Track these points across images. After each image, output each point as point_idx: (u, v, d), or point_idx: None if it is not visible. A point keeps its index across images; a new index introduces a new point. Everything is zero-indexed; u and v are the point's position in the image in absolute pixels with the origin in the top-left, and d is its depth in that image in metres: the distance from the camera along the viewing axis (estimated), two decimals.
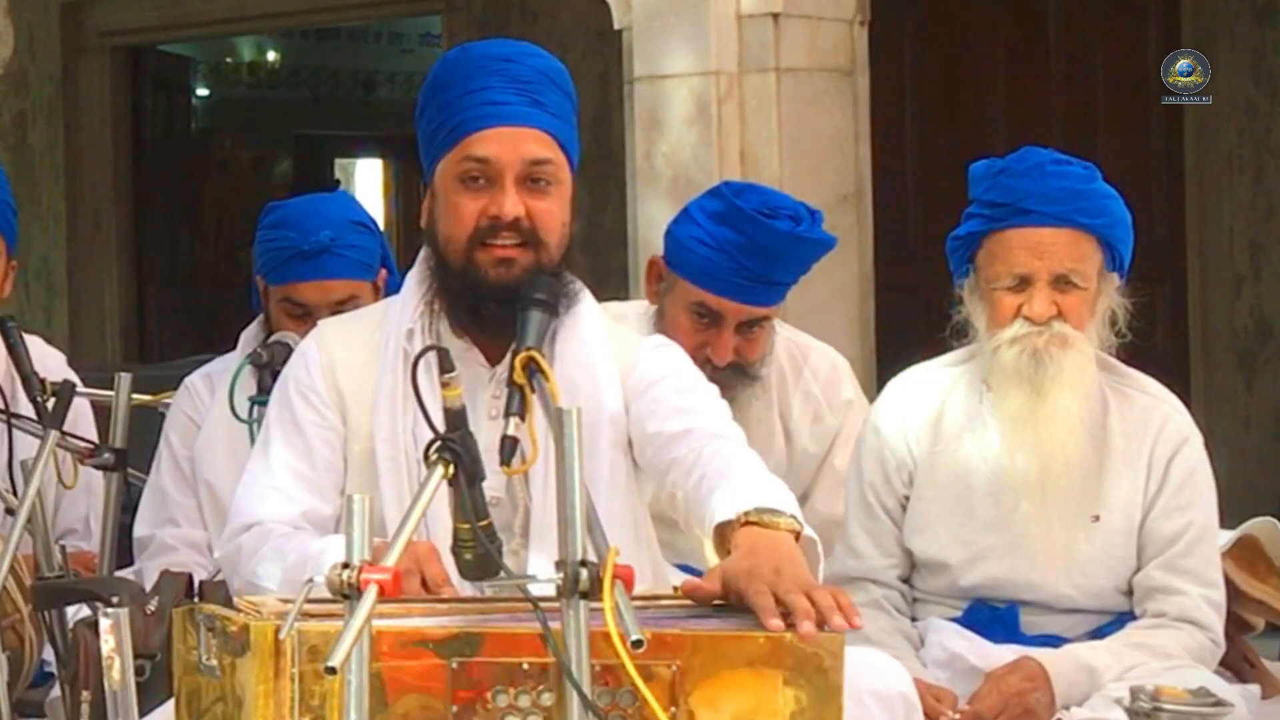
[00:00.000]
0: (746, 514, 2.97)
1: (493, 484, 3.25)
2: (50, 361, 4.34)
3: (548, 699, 2.69)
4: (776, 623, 2.72)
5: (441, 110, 3.36)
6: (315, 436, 3.36)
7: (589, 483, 3.26)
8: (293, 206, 4.30)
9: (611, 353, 3.38)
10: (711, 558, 3.05)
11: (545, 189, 3.29)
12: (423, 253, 3.44)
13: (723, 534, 3.01)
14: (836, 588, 2.83)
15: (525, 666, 2.70)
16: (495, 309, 3.26)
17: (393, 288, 4.30)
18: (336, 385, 3.38)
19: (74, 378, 4.18)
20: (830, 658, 2.74)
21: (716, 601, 2.88)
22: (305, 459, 3.35)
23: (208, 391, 4.26)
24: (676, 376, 3.40)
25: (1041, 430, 3.74)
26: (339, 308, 4.12)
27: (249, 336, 4.27)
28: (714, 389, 3.48)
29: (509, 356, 2.99)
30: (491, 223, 3.27)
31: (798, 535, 2.96)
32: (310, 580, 2.54)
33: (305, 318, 4.12)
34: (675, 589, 3.28)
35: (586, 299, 3.42)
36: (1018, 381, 3.74)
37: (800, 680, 2.73)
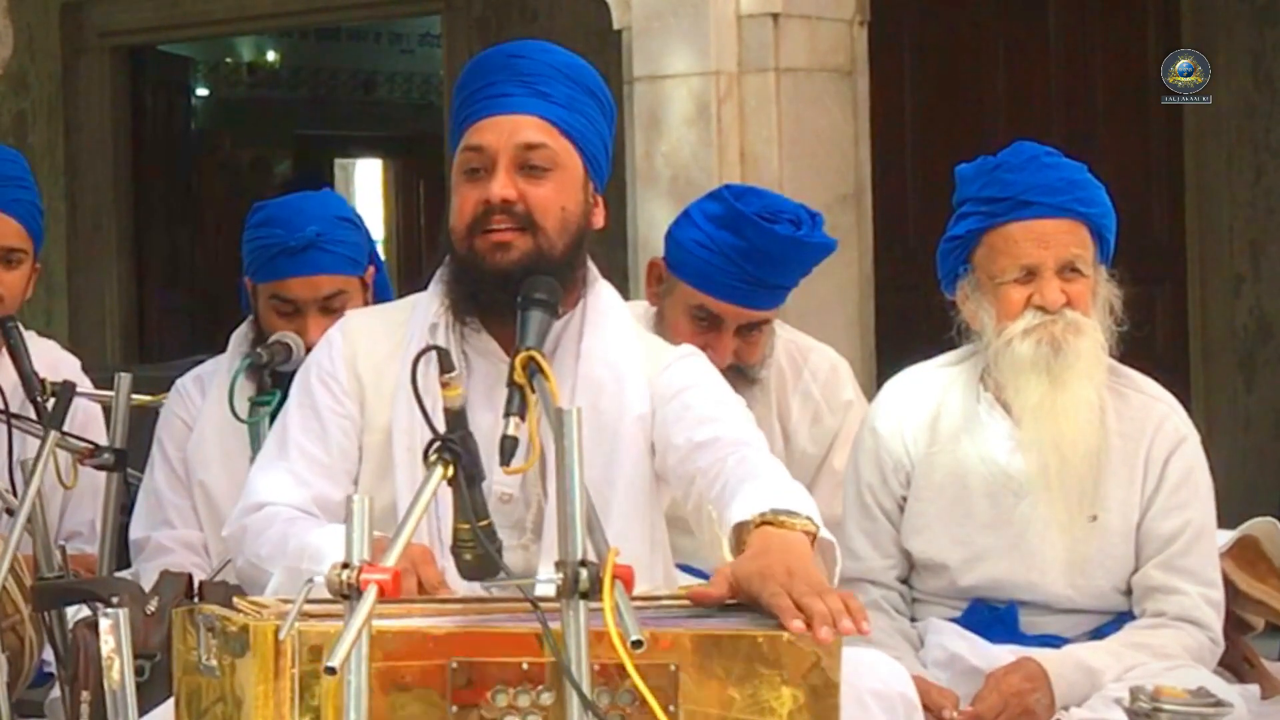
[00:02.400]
0: (763, 515, 2.97)
1: (506, 480, 3.26)
2: (63, 368, 4.35)
3: (547, 699, 2.69)
4: (799, 624, 2.72)
5: (456, 111, 3.38)
6: (332, 423, 3.37)
7: (611, 481, 3.29)
8: (279, 205, 4.30)
9: (640, 354, 3.39)
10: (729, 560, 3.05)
11: (542, 174, 3.30)
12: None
13: (739, 536, 3.01)
14: (847, 591, 2.83)
15: (525, 666, 2.70)
16: (493, 295, 3.26)
17: (379, 284, 4.31)
18: (356, 374, 3.39)
19: (87, 383, 4.19)
20: (827, 656, 2.75)
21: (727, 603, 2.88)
22: (320, 444, 3.36)
23: (199, 393, 4.27)
24: (702, 386, 3.40)
25: (1061, 420, 3.75)
26: (327, 303, 4.13)
27: (239, 338, 4.27)
28: (739, 399, 3.48)
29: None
30: (485, 208, 3.28)
31: (814, 537, 2.96)
32: (310, 580, 2.54)
33: (294, 315, 4.13)
34: (683, 588, 3.29)
35: (609, 294, 3.43)
36: (1035, 372, 3.74)
37: (798, 679, 2.74)
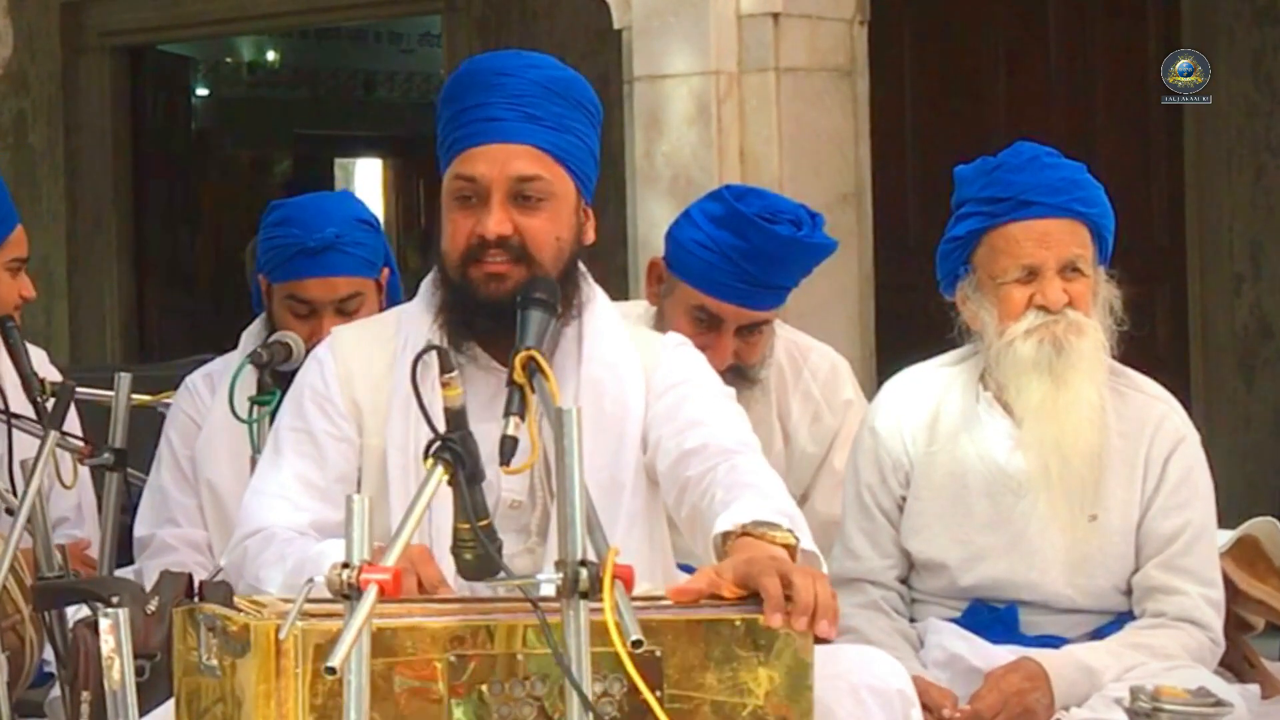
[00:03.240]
0: (743, 526, 3.02)
1: (515, 487, 3.27)
2: (38, 365, 4.34)
3: (541, 689, 2.74)
4: (778, 618, 2.80)
5: (445, 126, 3.37)
6: (329, 446, 3.36)
7: (619, 483, 3.31)
8: (297, 204, 4.31)
9: (635, 352, 3.39)
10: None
11: (536, 205, 3.29)
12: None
13: (722, 545, 3.04)
14: (831, 590, 2.88)
15: (520, 658, 2.75)
16: (488, 323, 3.27)
17: (393, 287, 4.31)
18: (353, 395, 3.38)
19: (55, 373, 4.19)
20: (800, 638, 2.85)
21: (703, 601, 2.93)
22: (317, 468, 3.35)
23: (208, 391, 4.27)
24: (694, 383, 3.40)
25: (1064, 420, 3.75)
26: (343, 305, 4.13)
27: (250, 336, 4.27)
28: (730, 392, 3.49)
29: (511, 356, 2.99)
30: (480, 242, 3.28)
31: (793, 550, 2.99)
32: (310, 580, 2.54)
33: (310, 315, 4.13)
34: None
35: (603, 298, 3.44)
36: (1038, 372, 3.74)
37: (773, 661, 2.85)
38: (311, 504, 3.33)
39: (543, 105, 3.31)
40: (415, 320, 3.40)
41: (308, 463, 3.35)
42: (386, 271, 4.28)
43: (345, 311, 4.11)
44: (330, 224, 4.16)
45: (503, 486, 3.24)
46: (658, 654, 2.79)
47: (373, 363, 3.39)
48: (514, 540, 3.29)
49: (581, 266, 3.40)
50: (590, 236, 3.40)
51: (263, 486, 3.38)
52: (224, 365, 4.30)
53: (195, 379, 4.33)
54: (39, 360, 4.36)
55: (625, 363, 3.37)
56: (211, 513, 4.17)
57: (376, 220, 4.38)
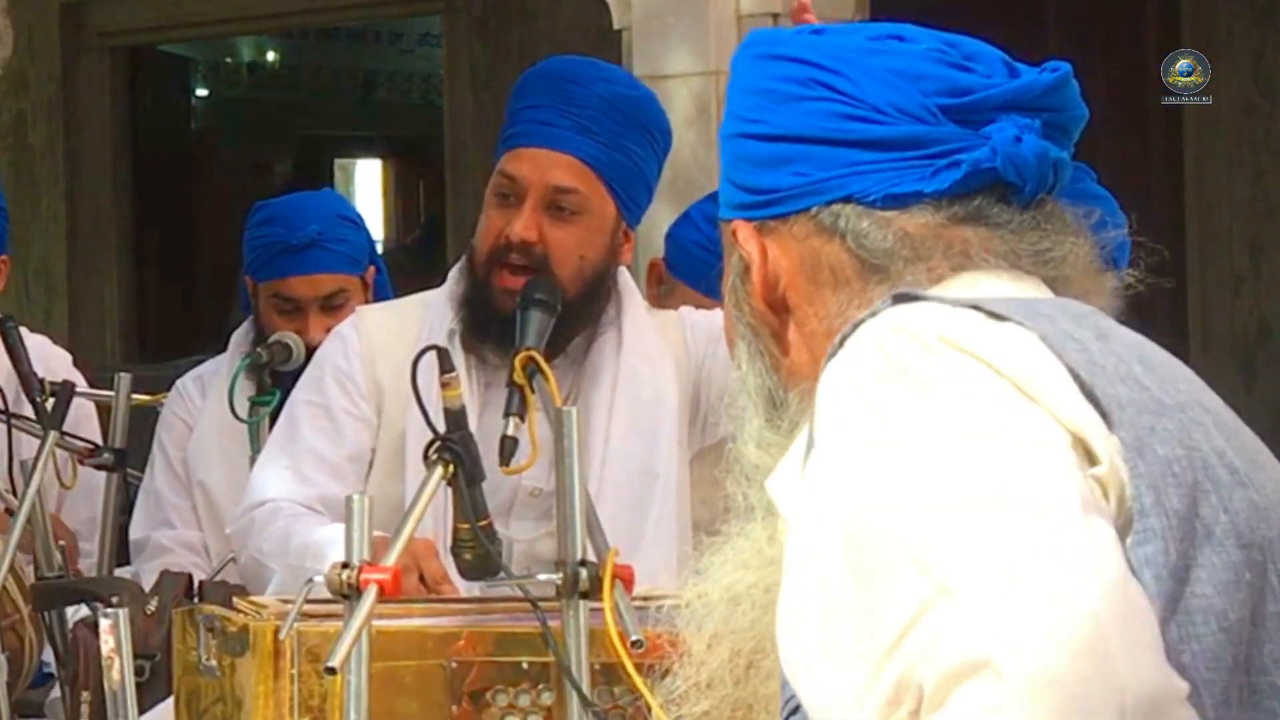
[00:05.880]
0: None
1: (534, 474, 3.27)
2: (55, 364, 4.34)
3: (547, 698, 2.71)
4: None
5: (506, 121, 3.39)
6: (346, 424, 3.37)
7: (653, 472, 3.31)
8: (280, 204, 4.33)
9: (666, 347, 3.41)
10: None
11: (568, 218, 3.30)
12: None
13: None
14: None
15: (525, 666, 2.71)
16: (501, 334, 3.27)
17: (380, 285, 4.32)
18: (375, 376, 3.39)
19: (79, 378, 4.19)
20: None
21: None
22: (333, 444, 3.36)
23: (199, 393, 4.27)
24: None
25: None
26: (328, 302, 4.14)
27: (239, 338, 4.28)
28: None
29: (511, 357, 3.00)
30: (505, 243, 3.29)
31: None
32: (310, 580, 2.54)
33: (295, 313, 4.14)
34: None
35: (635, 291, 3.46)
36: None
37: None
38: (321, 479, 3.34)
39: (600, 120, 3.32)
40: (440, 309, 3.41)
41: (322, 438, 3.36)
42: (373, 270, 4.29)
43: (330, 309, 4.12)
44: (312, 221, 4.18)
45: (522, 475, 3.25)
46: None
47: (396, 345, 3.40)
48: (534, 526, 3.30)
49: (624, 275, 3.41)
50: (627, 259, 3.41)
51: (274, 458, 3.40)
52: (215, 367, 4.30)
53: (186, 381, 4.34)
54: (63, 364, 4.36)
55: (659, 356, 3.39)
56: (205, 514, 4.18)
57: (360, 218, 4.40)
